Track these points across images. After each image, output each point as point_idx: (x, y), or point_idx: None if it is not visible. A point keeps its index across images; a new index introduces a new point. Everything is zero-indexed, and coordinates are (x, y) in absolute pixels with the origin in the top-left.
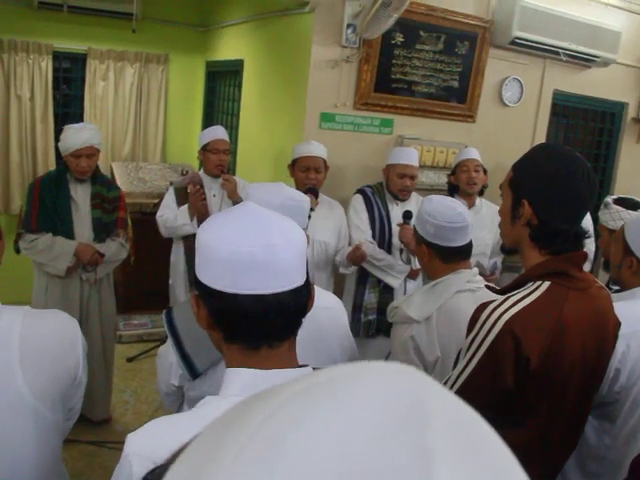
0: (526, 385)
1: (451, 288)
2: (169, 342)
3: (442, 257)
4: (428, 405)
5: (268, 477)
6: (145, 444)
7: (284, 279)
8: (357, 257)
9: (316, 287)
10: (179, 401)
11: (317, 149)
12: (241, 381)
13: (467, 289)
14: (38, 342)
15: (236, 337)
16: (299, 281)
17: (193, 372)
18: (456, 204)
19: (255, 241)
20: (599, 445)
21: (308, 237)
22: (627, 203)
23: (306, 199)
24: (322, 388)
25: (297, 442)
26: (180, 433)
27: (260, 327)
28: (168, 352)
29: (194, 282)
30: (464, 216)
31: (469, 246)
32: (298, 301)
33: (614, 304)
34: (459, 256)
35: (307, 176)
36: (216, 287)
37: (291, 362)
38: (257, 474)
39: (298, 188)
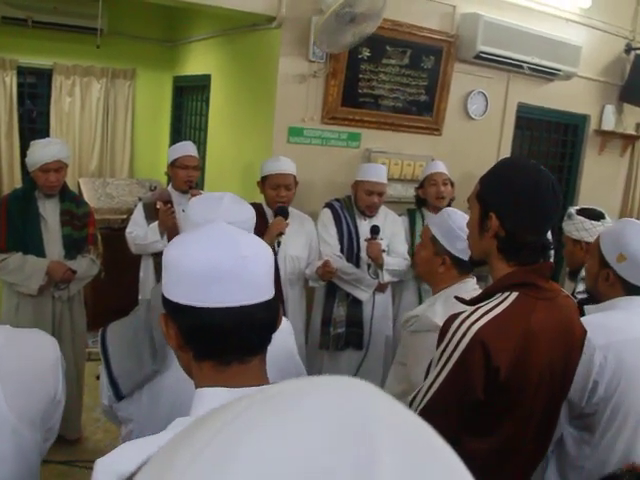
0: (496, 395)
1: (463, 296)
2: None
3: (460, 269)
4: (374, 417)
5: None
6: (113, 468)
7: (254, 292)
8: (326, 273)
9: None
10: (117, 419)
11: (287, 165)
12: (215, 401)
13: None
14: (19, 361)
15: (207, 354)
16: (268, 295)
17: (117, 394)
18: None
19: (224, 253)
20: (579, 455)
21: (276, 253)
22: (589, 213)
23: (251, 217)
24: (271, 402)
25: (249, 449)
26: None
27: (231, 341)
28: (102, 371)
29: (162, 301)
30: None
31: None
32: (268, 315)
33: (592, 316)
34: (470, 268)
35: (277, 194)
36: (186, 303)
37: (262, 379)
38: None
39: (268, 205)
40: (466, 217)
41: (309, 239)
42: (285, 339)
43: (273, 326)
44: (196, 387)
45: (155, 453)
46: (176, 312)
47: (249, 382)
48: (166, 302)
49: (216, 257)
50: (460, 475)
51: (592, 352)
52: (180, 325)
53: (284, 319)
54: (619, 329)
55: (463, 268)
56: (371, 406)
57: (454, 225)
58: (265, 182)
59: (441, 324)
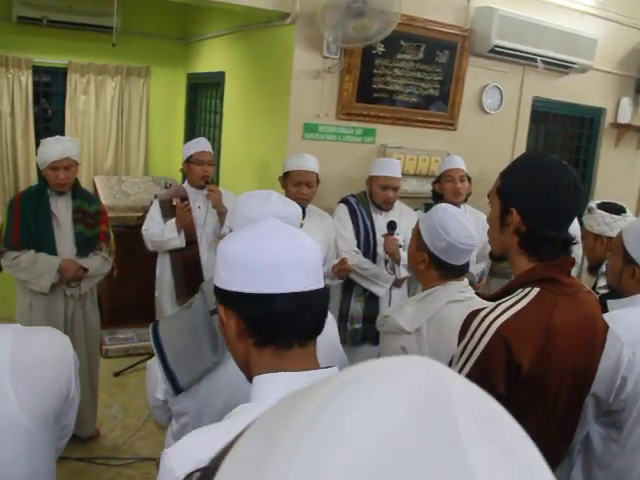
0: (518, 391)
1: (442, 299)
2: (155, 356)
3: (440, 271)
4: (449, 387)
5: (330, 455)
6: (189, 455)
7: (314, 278)
8: (342, 270)
9: None
10: (168, 414)
11: (310, 163)
12: (280, 384)
13: (458, 299)
14: (29, 360)
15: (271, 338)
16: (322, 283)
17: (176, 387)
18: (470, 225)
19: (286, 242)
20: (606, 453)
21: None
22: (610, 207)
23: (297, 213)
24: (361, 380)
25: (352, 424)
26: (217, 443)
27: (295, 325)
28: (155, 366)
29: (218, 294)
30: (475, 240)
31: (467, 265)
32: (324, 301)
33: (618, 311)
34: (455, 273)
35: (299, 191)
36: (251, 291)
37: (316, 363)
38: (319, 455)
39: None
40: (458, 219)
41: (327, 237)
42: (328, 330)
43: (327, 312)
44: (253, 375)
45: (245, 436)
46: (239, 301)
47: (307, 365)
48: (225, 293)
49: (281, 247)
50: (519, 430)
51: (620, 347)
52: (243, 313)
53: None
54: None
55: (444, 271)
56: (450, 387)
57: (437, 222)
58: (287, 178)
59: (407, 328)
